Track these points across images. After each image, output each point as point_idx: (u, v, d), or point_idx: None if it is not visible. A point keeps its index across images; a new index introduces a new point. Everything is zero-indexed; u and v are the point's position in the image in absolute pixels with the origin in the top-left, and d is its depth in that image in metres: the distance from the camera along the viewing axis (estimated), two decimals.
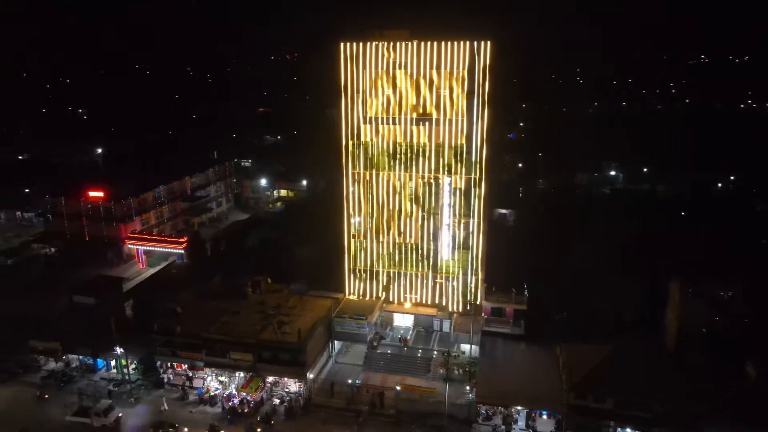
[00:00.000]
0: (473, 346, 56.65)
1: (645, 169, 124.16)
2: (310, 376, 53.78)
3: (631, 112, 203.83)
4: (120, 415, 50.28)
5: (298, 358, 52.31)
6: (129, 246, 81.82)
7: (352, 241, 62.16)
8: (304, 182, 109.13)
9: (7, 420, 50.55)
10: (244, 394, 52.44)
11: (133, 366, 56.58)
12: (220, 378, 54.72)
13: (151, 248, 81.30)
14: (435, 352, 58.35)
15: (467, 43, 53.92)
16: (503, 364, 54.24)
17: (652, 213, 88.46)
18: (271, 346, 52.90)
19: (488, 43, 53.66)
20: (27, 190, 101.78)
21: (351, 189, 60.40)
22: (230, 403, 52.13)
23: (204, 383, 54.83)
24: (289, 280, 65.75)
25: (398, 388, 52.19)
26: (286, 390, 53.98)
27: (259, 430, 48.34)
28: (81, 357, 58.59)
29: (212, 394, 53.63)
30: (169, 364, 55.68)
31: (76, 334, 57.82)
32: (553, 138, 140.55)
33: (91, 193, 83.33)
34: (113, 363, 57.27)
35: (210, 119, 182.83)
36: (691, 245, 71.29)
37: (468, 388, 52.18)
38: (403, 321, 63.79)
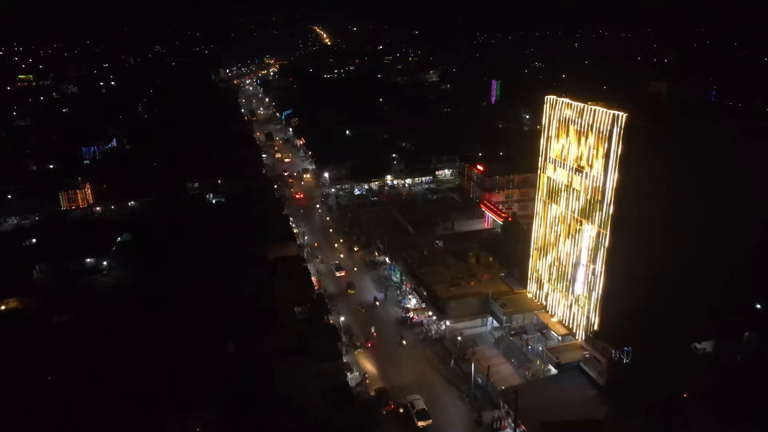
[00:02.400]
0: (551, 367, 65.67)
1: None
2: (448, 323, 76.93)
3: None
4: None
5: (439, 306, 76.82)
6: (482, 209, 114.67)
7: (535, 252, 76.75)
8: None
9: None
10: (412, 314, 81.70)
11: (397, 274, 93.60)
12: (414, 300, 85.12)
13: (489, 215, 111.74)
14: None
15: (610, 112, 59.15)
16: (544, 393, 62.19)
17: None
18: (431, 291, 79.04)
19: (624, 115, 57.43)
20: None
21: (538, 210, 74.84)
22: (406, 314, 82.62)
23: (411, 300, 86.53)
24: (511, 266, 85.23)
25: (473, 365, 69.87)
26: (437, 325, 79.38)
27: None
28: None
29: (407, 306, 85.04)
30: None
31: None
32: None
33: (478, 166, 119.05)
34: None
35: None
36: None
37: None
38: (558, 330, 74.61)
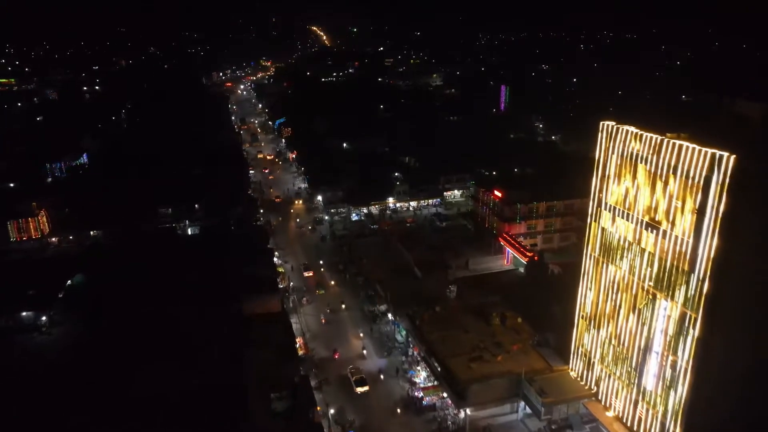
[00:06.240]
0: None
1: None
2: (468, 411, 59.74)
3: None
4: None
5: (457, 390, 59.49)
6: (500, 243, 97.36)
7: (581, 321, 59.43)
8: None
9: None
10: (422, 394, 64.33)
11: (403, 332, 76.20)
12: (423, 373, 67.76)
13: (510, 251, 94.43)
14: None
15: (707, 152, 41.89)
16: None
17: None
18: (446, 368, 61.73)
19: (731, 157, 40.20)
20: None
21: (587, 269, 57.49)
22: (413, 392, 65.31)
23: (420, 372, 69.11)
24: (544, 328, 67.85)
25: None
26: (455, 412, 62.11)
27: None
28: None
29: (415, 380, 67.73)
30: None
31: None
32: None
33: (495, 192, 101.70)
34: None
35: None
36: None
37: None
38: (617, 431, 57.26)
